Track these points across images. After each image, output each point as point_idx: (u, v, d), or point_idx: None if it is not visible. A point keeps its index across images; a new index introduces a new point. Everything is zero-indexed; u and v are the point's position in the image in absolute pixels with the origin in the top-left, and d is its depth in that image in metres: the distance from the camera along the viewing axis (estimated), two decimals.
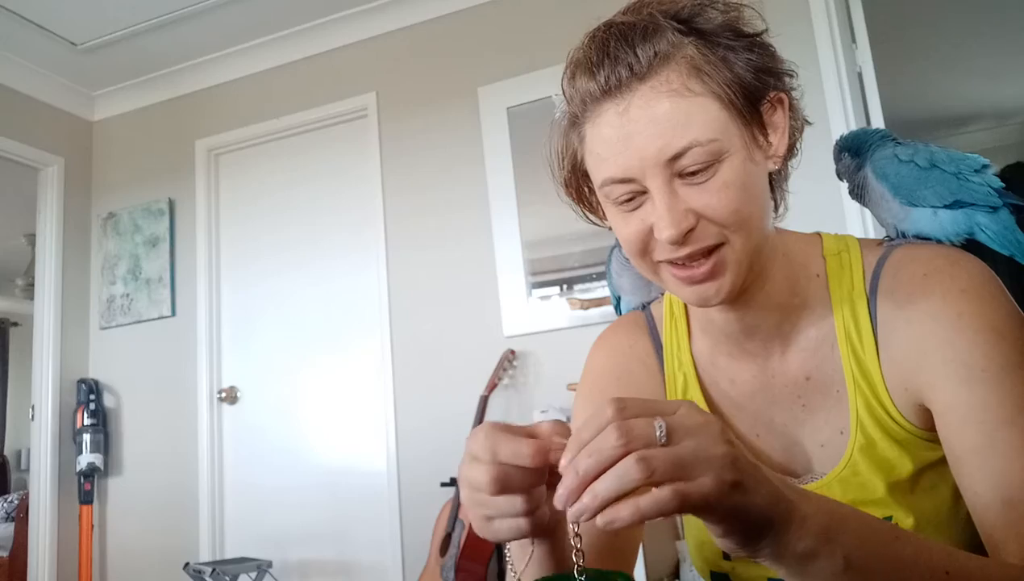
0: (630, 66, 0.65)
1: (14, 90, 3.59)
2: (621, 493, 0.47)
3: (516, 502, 0.54)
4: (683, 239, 0.66)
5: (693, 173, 0.65)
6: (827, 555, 0.52)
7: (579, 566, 0.54)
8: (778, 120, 0.71)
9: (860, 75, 2.64)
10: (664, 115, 0.65)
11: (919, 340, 0.69)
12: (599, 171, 0.69)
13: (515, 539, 0.56)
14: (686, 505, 0.47)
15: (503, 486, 0.54)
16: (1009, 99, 4.94)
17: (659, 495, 0.46)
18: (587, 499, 0.47)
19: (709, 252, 0.67)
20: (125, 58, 3.62)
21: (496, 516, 0.55)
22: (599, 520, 0.47)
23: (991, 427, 0.64)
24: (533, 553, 0.62)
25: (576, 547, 0.54)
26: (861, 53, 2.65)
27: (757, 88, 0.68)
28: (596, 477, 0.48)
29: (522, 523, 0.55)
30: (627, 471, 0.47)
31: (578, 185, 0.77)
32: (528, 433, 0.55)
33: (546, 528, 0.58)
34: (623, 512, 0.47)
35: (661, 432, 0.48)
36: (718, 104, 0.66)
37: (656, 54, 0.65)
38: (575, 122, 0.71)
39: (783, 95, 0.71)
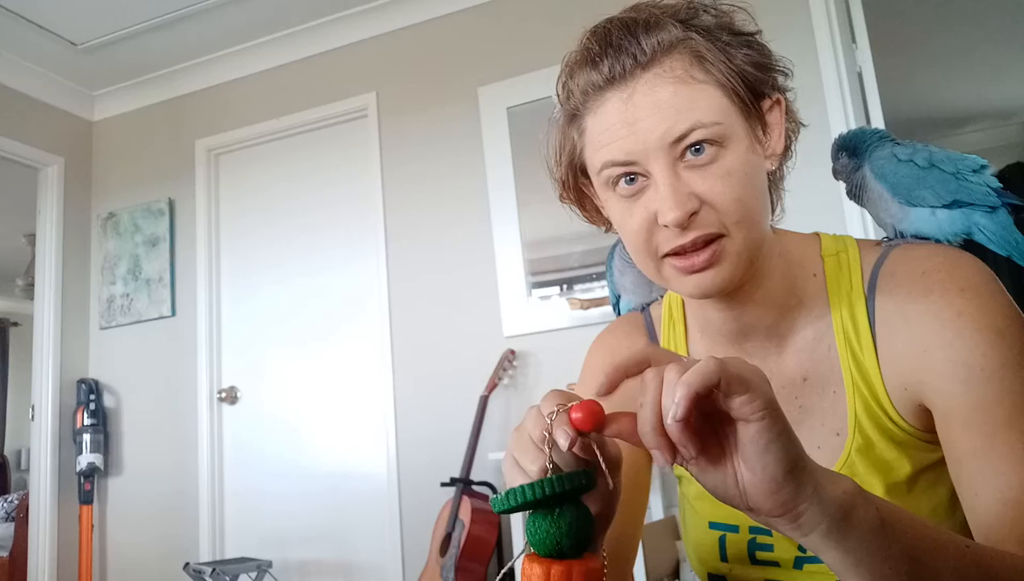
0: (634, 55, 0.66)
1: (14, 90, 3.59)
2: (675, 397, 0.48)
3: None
4: (687, 223, 0.66)
5: (697, 157, 0.65)
6: (863, 506, 0.51)
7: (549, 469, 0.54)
8: (775, 120, 0.72)
9: (860, 75, 2.64)
10: (668, 100, 0.65)
11: (919, 339, 0.69)
12: (600, 156, 0.69)
13: None
14: (729, 375, 0.47)
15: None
16: (1009, 99, 4.94)
17: (702, 364, 0.47)
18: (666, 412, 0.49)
19: (709, 242, 0.67)
20: (125, 58, 3.62)
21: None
22: (669, 419, 0.48)
23: (991, 428, 0.64)
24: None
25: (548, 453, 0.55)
26: (861, 53, 2.65)
27: (759, 80, 0.69)
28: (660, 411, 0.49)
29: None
30: (669, 380, 0.48)
31: (575, 183, 0.77)
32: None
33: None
34: (677, 395, 0.47)
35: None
36: (721, 92, 0.66)
37: (659, 43, 0.66)
38: (575, 116, 0.72)
39: (780, 96, 0.72)
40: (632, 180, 0.68)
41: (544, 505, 0.54)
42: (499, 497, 0.54)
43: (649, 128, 0.65)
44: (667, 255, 0.69)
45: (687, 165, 0.66)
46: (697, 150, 0.65)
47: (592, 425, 0.53)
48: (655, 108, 0.65)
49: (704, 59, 0.66)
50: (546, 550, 0.54)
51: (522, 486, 0.53)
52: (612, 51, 0.67)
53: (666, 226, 0.66)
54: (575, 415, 0.53)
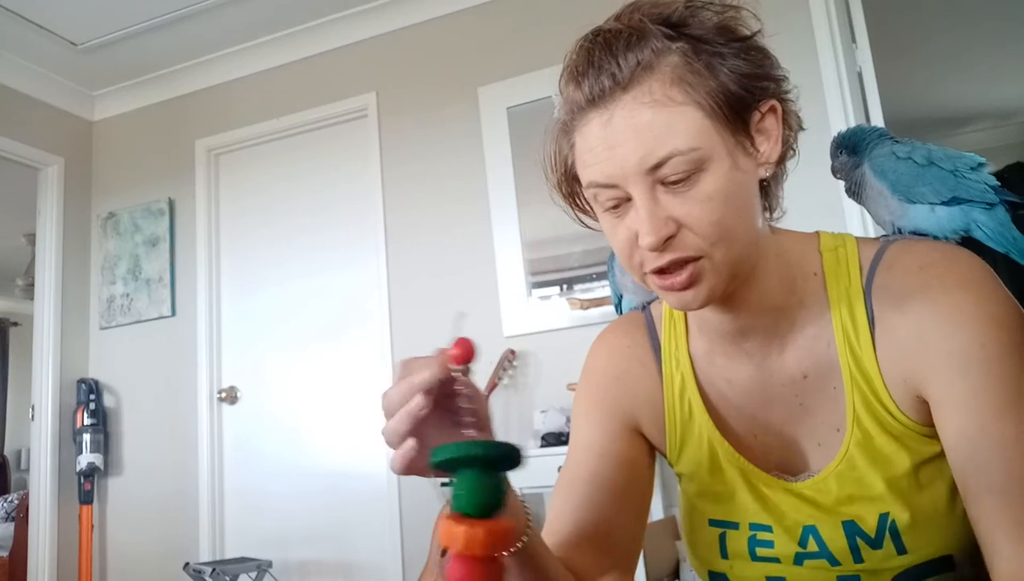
0: (613, 76, 0.66)
1: (14, 90, 3.59)
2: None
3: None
4: (663, 246, 0.67)
5: (675, 182, 0.66)
6: None
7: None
8: (770, 127, 0.70)
9: (860, 75, 2.64)
10: (646, 125, 0.65)
11: (917, 332, 0.69)
12: (584, 175, 0.71)
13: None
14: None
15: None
16: (1009, 99, 4.94)
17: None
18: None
19: (687, 262, 0.68)
20: (125, 58, 3.62)
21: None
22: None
23: (984, 417, 0.64)
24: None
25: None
26: (861, 53, 2.65)
27: (743, 96, 0.67)
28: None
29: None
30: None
31: (570, 190, 0.78)
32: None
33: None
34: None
35: None
36: (701, 113, 0.66)
37: (639, 63, 0.66)
38: (565, 129, 0.73)
39: (775, 102, 0.70)
40: (617, 205, 0.69)
41: (465, 466, 0.56)
42: (441, 449, 0.57)
43: (627, 154, 0.66)
44: (649, 272, 0.70)
45: (666, 188, 0.66)
46: (675, 175, 0.65)
47: (467, 358, 0.63)
48: (634, 133, 0.65)
49: (684, 80, 0.66)
50: (459, 510, 0.56)
51: (469, 443, 0.57)
52: (593, 71, 0.67)
53: None
54: (453, 353, 0.63)
